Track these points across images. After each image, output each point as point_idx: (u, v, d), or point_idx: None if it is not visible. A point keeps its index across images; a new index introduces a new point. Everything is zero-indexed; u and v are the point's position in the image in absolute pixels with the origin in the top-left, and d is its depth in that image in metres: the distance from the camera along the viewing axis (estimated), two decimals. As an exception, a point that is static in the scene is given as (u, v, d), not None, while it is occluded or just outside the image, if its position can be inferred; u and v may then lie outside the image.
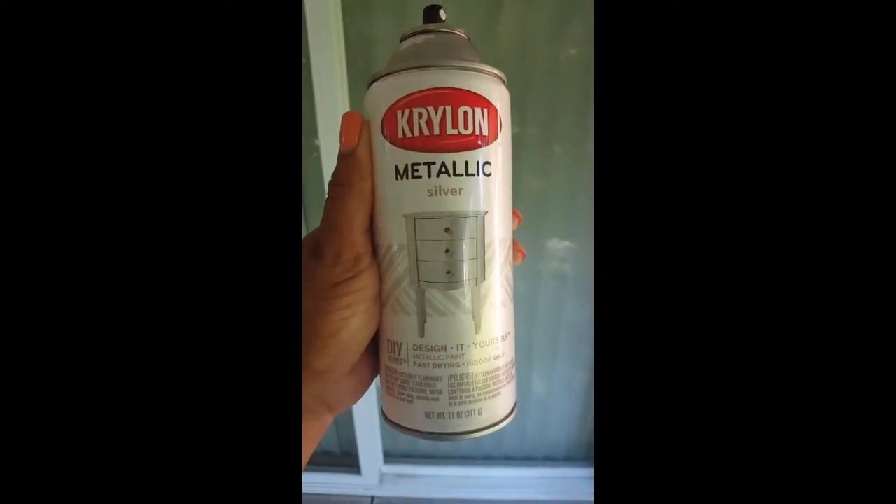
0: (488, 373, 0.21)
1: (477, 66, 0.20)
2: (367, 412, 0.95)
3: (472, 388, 0.21)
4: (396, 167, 0.20)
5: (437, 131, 0.19)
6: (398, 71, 0.20)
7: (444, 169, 0.20)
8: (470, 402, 0.21)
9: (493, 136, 0.20)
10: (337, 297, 0.20)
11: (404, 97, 0.20)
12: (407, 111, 0.20)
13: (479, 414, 0.21)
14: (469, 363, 0.21)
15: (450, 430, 0.21)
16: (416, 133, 0.20)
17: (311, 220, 0.81)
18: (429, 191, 0.20)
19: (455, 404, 0.21)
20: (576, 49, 0.77)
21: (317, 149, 0.79)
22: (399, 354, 0.21)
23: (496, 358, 0.21)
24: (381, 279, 0.21)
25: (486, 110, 0.20)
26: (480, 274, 0.21)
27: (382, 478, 1.03)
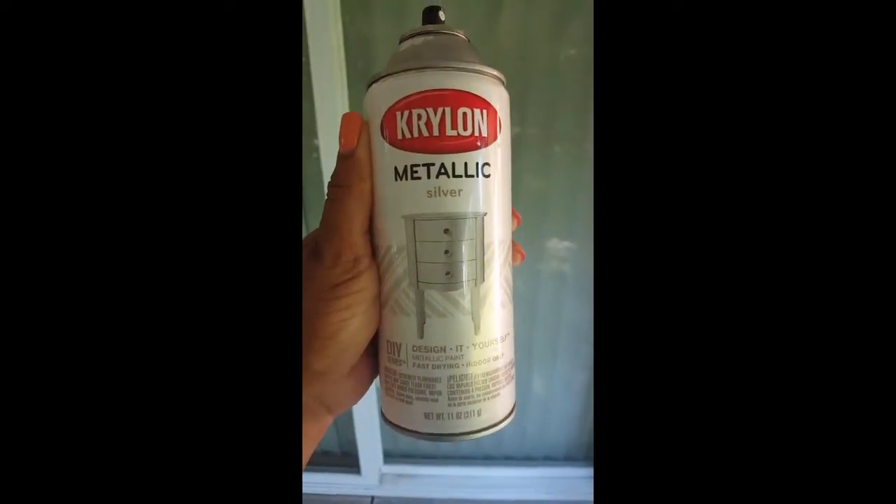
0: (487, 374, 0.21)
1: (476, 67, 0.20)
2: (367, 412, 0.95)
3: (471, 388, 0.21)
4: (396, 168, 0.20)
5: (436, 132, 0.19)
6: (397, 72, 0.20)
7: (443, 170, 0.20)
8: (469, 402, 0.21)
9: (493, 137, 0.20)
10: (336, 298, 0.20)
11: (403, 98, 0.20)
12: (406, 112, 0.20)
13: (479, 415, 0.21)
14: (468, 364, 0.21)
15: (449, 431, 0.21)
16: (416, 134, 0.20)
17: (311, 221, 0.81)
18: (428, 192, 0.20)
19: (454, 405, 0.21)
20: (575, 49, 0.77)
21: (316, 149, 0.80)
22: (398, 355, 0.21)
23: (495, 359, 0.21)
24: (380, 280, 0.21)
25: (485, 111, 0.20)
26: (480, 275, 0.21)
27: (382, 478, 1.03)
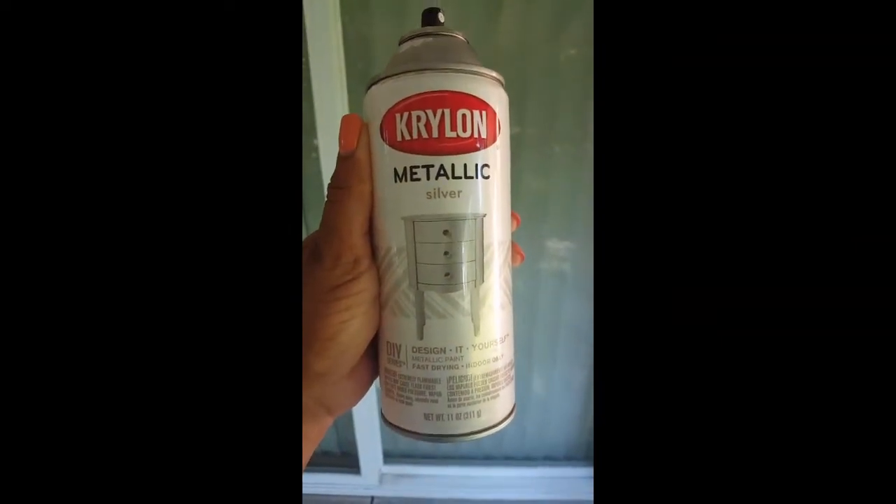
0: (487, 374, 0.21)
1: (475, 68, 0.20)
2: (366, 412, 0.95)
3: (470, 389, 0.21)
4: (395, 170, 0.20)
5: (435, 134, 0.19)
6: (397, 74, 0.20)
7: (442, 171, 0.20)
8: (469, 403, 0.21)
9: (492, 138, 0.20)
10: (336, 299, 0.20)
11: (403, 100, 0.20)
12: (405, 114, 0.20)
13: (478, 416, 0.21)
14: (468, 365, 0.21)
15: (449, 432, 0.21)
16: (415, 136, 0.20)
17: (310, 221, 0.81)
18: (427, 193, 0.20)
19: (454, 406, 0.21)
20: (575, 49, 0.77)
21: (315, 149, 0.80)
22: (398, 357, 0.21)
23: (495, 360, 0.21)
24: (380, 281, 0.21)
25: (484, 113, 0.20)
26: (479, 276, 0.21)
27: (382, 478, 1.03)
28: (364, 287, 0.21)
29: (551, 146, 0.83)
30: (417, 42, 0.21)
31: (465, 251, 0.20)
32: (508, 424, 0.22)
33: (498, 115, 0.21)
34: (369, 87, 0.21)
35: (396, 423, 0.22)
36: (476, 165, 0.20)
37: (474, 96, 0.20)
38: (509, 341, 0.22)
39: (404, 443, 1.02)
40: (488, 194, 0.20)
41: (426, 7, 0.22)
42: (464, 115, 0.20)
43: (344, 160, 0.21)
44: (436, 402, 0.21)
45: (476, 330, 0.21)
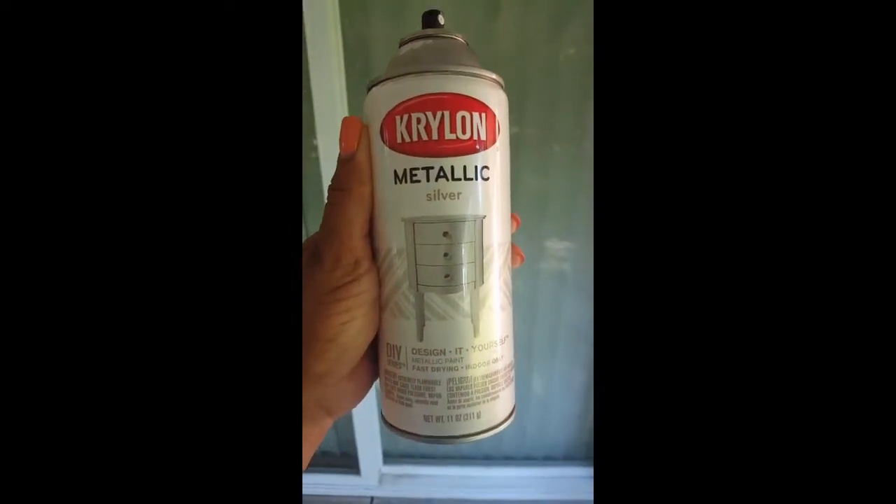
0: (487, 376, 0.21)
1: (475, 71, 0.20)
2: (366, 412, 0.95)
3: (470, 391, 0.21)
4: (395, 172, 0.20)
5: (435, 136, 0.19)
6: (397, 76, 0.20)
7: (442, 173, 0.20)
8: (469, 405, 0.21)
9: (492, 140, 0.20)
10: (336, 301, 0.20)
11: (403, 102, 0.20)
12: (405, 116, 0.20)
13: (478, 417, 0.21)
14: (468, 367, 0.21)
15: (449, 434, 0.21)
16: (415, 138, 0.20)
17: (309, 222, 0.81)
18: (427, 195, 0.20)
19: (454, 408, 0.21)
20: (574, 49, 0.77)
21: (315, 149, 0.79)
22: (398, 358, 0.21)
23: (495, 361, 0.21)
24: (380, 283, 0.21)
25: (483, 115, 0.20)
26: (479, 277, 0.21)
27: (382, 478, 1.03)
28: (364, 289, 0.21)
29: (551, 146, 0.83)
30: (417, 44, 0.21)
31: (464, 253, 0.20)
32: (508, 426, 0.23)
33: (497, 117, 0.21)
34: (369, 89, 0.21)
35: (396, 425, 0.22)
36: (476, 167, 0.20)
37: (474, 98, 0.20)
38: (509, 343, 0.22)
39: (404, 443, 1.02)
40: (488, 196, 0.20)
41: (426, 9, 0.22)
42: (463, 117, 0.20)
43: (344, 162, 0.21)
44: (436, 403, 0.21)
45: (476, 331, 0.21)
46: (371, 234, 0.21)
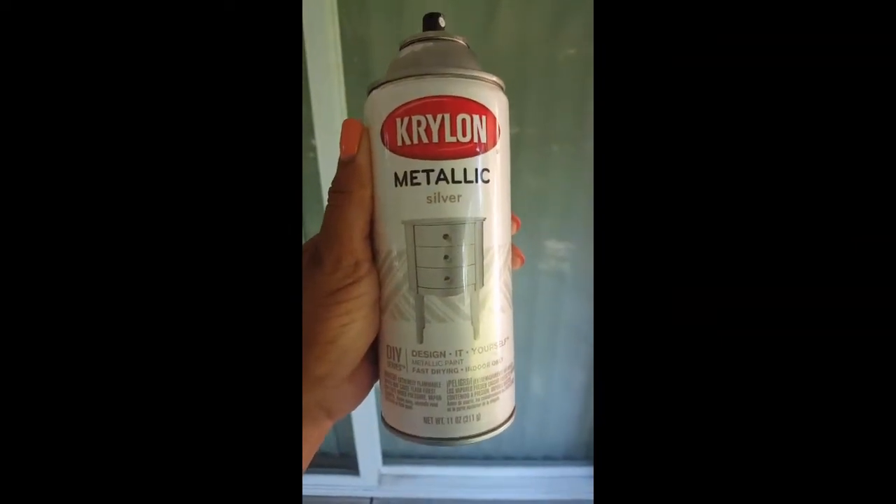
0: (487, 378, 0.21)
1: (475, 73, 0.20)
2: (365, 413, 0.95)
3: (470, 393, 0.21)
4: (396, 174, 0.20)
5: (435, 139, 0.19)
6: (397, 79, 0.20)
7: (442, 176, 0.20)
8: (468, 407, 0.21)
9: (492, 143, 0.20)
10: (336, 303, 0.20)
11: (403, 105, 0.20)
12: (406, 119, 0.20)
13: (478, 419, 0.21)
14: (468, 369, 0.21)
15: (448, 436, 0.21)
16: (415, 141, 0.20)
17: (307, 222, 0.81)
18: (428, 197, 0.20)
19: (454, 410, 0.21)
20: (574, 49, 0.78)
21: (313, 149, 0.79)
22: (398, 360, 0.21)
23: (495, 363, 0.21)
24: (380, 285, 0.21)
25: (484, 118, 0.20)
26: (479, 280, 0.21)
27: (381, 479, 1.03)
28: (364, 291, 0.21)
29: (550, 146, 0.83)
30: (418, 47, 0.21)
31: (465, 255, 0.20)
32: (508, 427, 0.23)
33: (498, 120, 0.21)
34: (370, 92, 0.21)
35: (396, 427, 0.22)
36: (476, 170, 0.20)
37: (474, 101, 0.20)
38: (509, 344, 0.22)
39: (403, 443, 1.01)
40: (488, 198, 0.20)
41: (426, 10, 0.22)
42: (463, 120, 0.20)
43: (345, 165, 0.21)
44: (435, 405, 0.21)
45: (476, 333, 0.21)
46: (371, 236, 0.21)
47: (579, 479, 1.01)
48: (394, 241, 0.21)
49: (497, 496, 1.00)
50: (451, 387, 0.21)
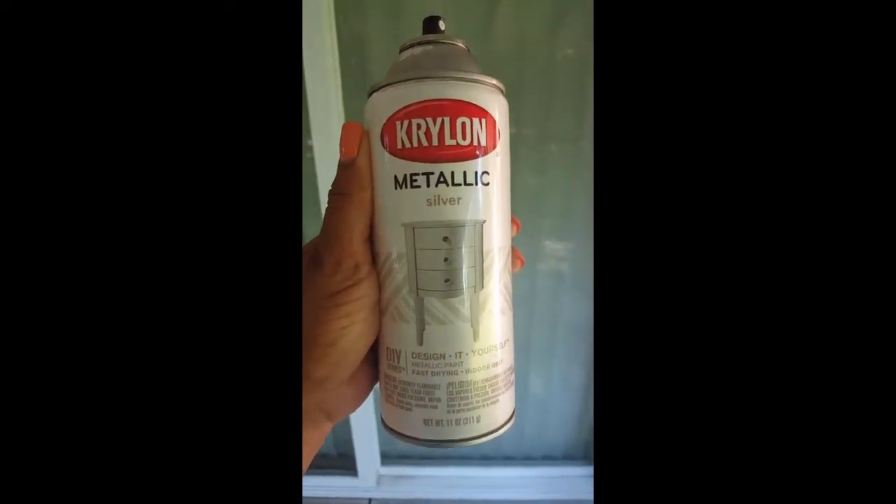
0: (487, 380, 0.21)
1: (475, 76, 0.20)
2: (363, 413, 0.95)
3: (470, 395, 0.21)
4: (395, 177, 0.20)
5: (435, 142, 0.19)
6: (397, 82, 0.20)
7: (442, 179, 0.20)
8: (468, 409, 0.21)
9: (492, 145, 0.20)
10: (336, 305, 0.20)
11: (403, 108, 0.20)
12: (406, 122, 0.20)
13: (478, 421, 0.21)
14: (467, 371, 0.21)
15: (448, 438, 0.21)
16: (415, 144, 0.20)
17: (304, 224, 0.80)
18: (427, 200, 0.20)
19: (454, 412, 0.21)
20: (572, 49, 0.78)
21: (309, 149, 0.79)
22: (398, 362, 0.21)
23: (495, 365, 0.21)
24: (380, 288, 0.21)
25: (483, 121, 0.20)
26: (479, 282, 0.21)
27: (380, 479, 1.02)
28: (364, 293, 0.21)
29: (548, 145, 0.83)
30: (418, 50, 0.21)
31: (464, 257, 0.20)
32: (508, 430, 0.23)
33: (497, 123, 0.21)
34: (370, 95, 0.21)
35: (396, 429, 0.22)
36: (476, 173, 0.20)
37: (474, 104, 0.20)
38: (509, 346, 0.22)
39: (402, 443, 1.02)
40: (488, 201, 0.20)
41: (426, 13, 0.22)
42: (463, 123, 0.20)
43: (345, 167, 0.21)
44: (435, 407, 0.21)
45: (476, 336, 0.21)
46: (371, 238, 0.21)
47: (578, 479, 1.01)
48: (394, 243, 0.21)
49: (496, 496, 1.00)
50: (450, 389, 0.21)
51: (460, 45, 0.22)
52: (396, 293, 0.21)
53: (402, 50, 0.22)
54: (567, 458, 1.05)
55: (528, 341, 0.95)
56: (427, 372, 0.21)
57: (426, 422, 0.21)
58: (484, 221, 0.20)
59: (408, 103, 0.20)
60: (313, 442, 0.23)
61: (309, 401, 0.22)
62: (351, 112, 0.76)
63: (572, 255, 0.90)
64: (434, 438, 0.21)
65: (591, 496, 0.96)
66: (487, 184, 0.20)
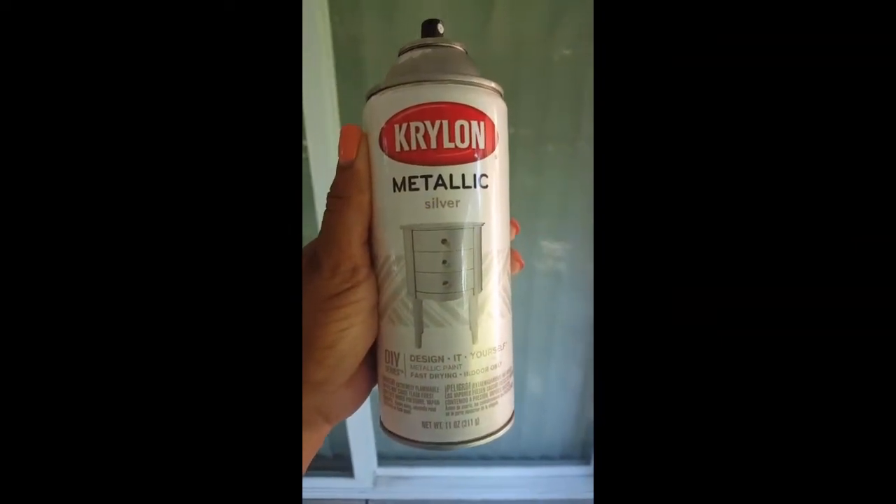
0: (485, 382, 0.21)
1: (473, 79, 0.20)
2: (360, 414, 0.95)
3: (469, 397, 0.21)
4: (394, 180, 0.20)
5: (433, 145, 0.20)
6: (396, 85, 0.20)
7: (440, 182, 0.20)
8: (467, 411, 0.21)
9: (490, 148, 0.20)
10: (335, 308, 0.20)
11: (402, 111, 0.20)
12: (404, 125, 0.20)
13: (477, 423, 0.21)
14: (466, 373, 0.21)
15: (447, 440, 0.21)
16: (414, 147, 0.20)
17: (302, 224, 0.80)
18: (426, 203, 0.20)
19: (452, 414, 0.21)
20: (569, 49, 0.78)
21: (304, 150, 0.79)
22: (396, 365, 0.21)
23: (493, 368, 0.21)
24: (378, 290, 0.21)
25: (482, 123, 0.20)
26: (477, 284, 0.21)
27: (377, 480, 1.02)
28: (362, 296, 0.21)
29: (545, 145, 0.83)
30: (416, 53, 0.21)
31: (463, 260, 0.20)
32: (507, 432, 0.23)
33: (496, 126, 0.21)
34: (369, 98, 0.21)
35: (395, 431, 0.22)
36: (474, 175, 0.20)
37: (472, 107, 0.20)
38: (508, 349, 0.22)
39: (399, 444, 1.02)
40: (487, 203, 0.21)
41: (419, 10, 0.22)
42: (462, 126, 0.20)
43: (343, 170, 0.21)
44: (434, 410, 0.21)
45: (474, 338, 0.21)
46: (370, 241, 0.21)
47: (576, 479, 1.02)
48: (392, 245, 0.21)
49: (494, 496, 1.00)
50: (449, 391, 0.21)
51: (459, 48, 0.22)
52: (395, 296, 0.21)
53: (400, 53, 0.22)
54: (564, 457, 1.05)
55: (526, 341, 0.95)
56: (425, 374, 0.21)
57: (425, 424, 0.21)
58: (483, 224, 0.20)
59: (406, 106, 0.20)
60: (311, 444, 0.23)
61: (307, 403, 0.22)
62: (346, 114, 0.75)
63: (569, 255, 0.90)
64: (433, 441, 0.21)
65: (588, 496, 0.96)
66: (486, 186, 0.20)
